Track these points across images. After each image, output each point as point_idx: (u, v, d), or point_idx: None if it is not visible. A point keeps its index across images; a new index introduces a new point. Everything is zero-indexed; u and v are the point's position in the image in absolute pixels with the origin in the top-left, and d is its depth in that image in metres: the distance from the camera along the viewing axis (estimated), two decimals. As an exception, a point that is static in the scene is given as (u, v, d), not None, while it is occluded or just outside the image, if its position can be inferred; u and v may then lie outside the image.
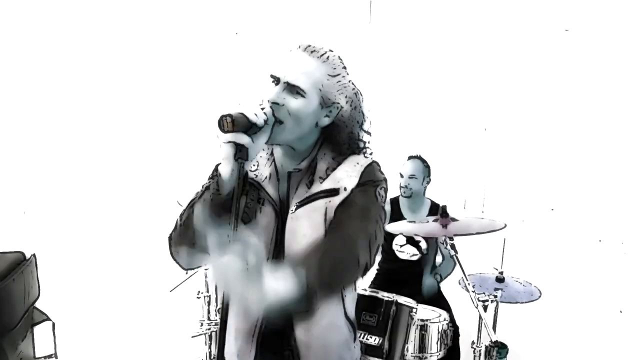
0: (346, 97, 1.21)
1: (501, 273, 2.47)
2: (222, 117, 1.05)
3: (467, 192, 3.90)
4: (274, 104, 1.14)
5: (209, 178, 1.14)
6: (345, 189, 1.19)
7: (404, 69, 3.94)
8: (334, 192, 1.19)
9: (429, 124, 3.93)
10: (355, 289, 1.32)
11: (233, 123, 1.04)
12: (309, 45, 1.18)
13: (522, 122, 3.77)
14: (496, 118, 3.85)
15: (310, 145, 1.24)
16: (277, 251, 1.21)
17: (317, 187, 1.20)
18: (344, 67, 1.23)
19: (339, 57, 1.22)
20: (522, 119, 3.77)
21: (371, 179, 1.20)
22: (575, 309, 3.34)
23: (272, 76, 1.18)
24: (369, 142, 1.31)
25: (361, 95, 1.28)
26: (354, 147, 1.28)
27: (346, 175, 1.21)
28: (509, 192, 3.80)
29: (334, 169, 1.22)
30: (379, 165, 1.26)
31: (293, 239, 1.18)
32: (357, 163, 1.23)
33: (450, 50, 3.85)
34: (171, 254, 1.22)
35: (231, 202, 1.04)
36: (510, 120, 3.80)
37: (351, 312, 1.30)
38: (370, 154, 1.30)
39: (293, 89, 1.15)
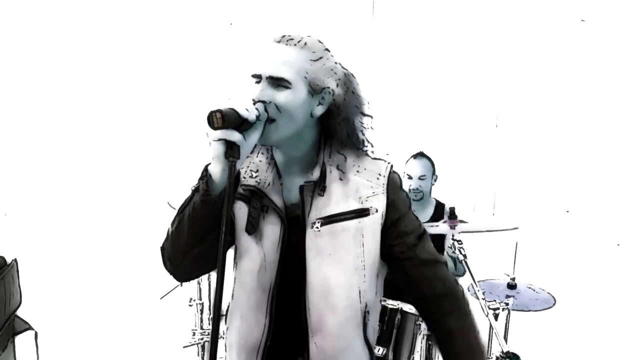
0: (336, 80, 1.20)
1: (513, 279, 2.45)
2: (211, 113, 1.04)
3: (477, 193, 3.90)
4: (261, 102, 1.13)
5: (199, 179, 1.13)
6: (376, 210, 1.22)
7: (411, 64, 3.94)
8: (363, 212, 1.21)
9: (437, 121, 3.92)
10: (379, 309, 1.35)
11: (223, 119, 1.04)
12: (283, 35, 1.18)
13: (535, 119, 3.76)
14: (507, 114, 3.84)
15: (312, 143, 1.23)
16: (283, 262, 1.23)
17: (341, 204, 1.22)
18: (327, 50, 1.22)
19: (318, 40, 1.22)
20: (534, 116, 3.76)
21: (398, 195, 1.25)
22: (592, 317, 3.34)
23: (253, 75, 1.18)
24: (370, 127, 1.30)
25: (354, 77, 1.27)
26: (355, 136, 1.26)
27: (371, 193, 1.22)
28: (521, 193, 3.80)
29: (349, 177, 1.23)
30: (394, 169, 1.28)
31: (317, 257, 1.21)
32: (379, 174, 1.24)
33: (458, 44, 3.84)
34: (165, 266, 1.22)
35: (222, 204, 1.05)
36: (523, 117, 3.80)
37: (371, 334, 1.31)
38: (372, 151, 1.30)
39: (276, 82, 1.14)
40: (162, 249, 1.21)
